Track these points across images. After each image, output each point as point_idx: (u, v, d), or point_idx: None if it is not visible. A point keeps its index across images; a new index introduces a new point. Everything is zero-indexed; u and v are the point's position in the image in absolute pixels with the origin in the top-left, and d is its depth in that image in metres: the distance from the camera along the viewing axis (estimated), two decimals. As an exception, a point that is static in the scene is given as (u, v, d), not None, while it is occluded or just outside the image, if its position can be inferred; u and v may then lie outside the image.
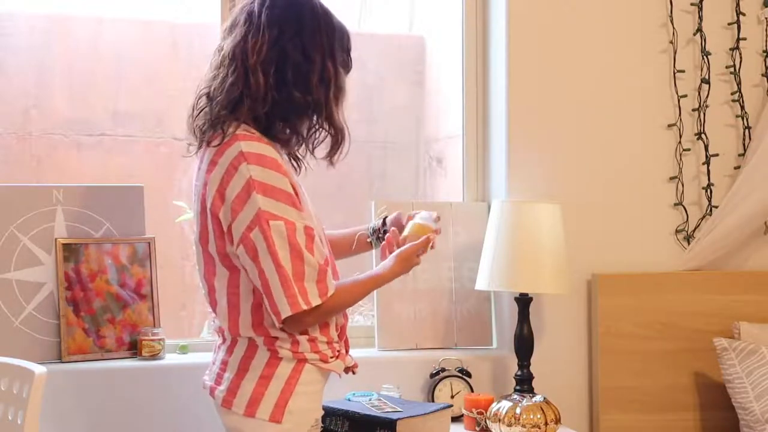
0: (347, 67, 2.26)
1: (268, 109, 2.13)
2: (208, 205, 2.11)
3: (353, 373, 2.34)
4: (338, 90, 2.20)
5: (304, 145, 2.25)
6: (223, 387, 2.17)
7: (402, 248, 2.27)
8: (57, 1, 3.09)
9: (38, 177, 2.97)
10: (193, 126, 2.19)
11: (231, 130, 2.11)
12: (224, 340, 2.22)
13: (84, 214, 2.82)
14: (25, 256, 2.75)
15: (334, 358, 2.22)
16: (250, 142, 2.09)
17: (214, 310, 2.21)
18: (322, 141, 2.24)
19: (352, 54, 2.27)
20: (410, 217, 2.40)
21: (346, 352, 2.31)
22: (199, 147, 2.19)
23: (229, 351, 2.19)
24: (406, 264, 2.27)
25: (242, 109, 2.13)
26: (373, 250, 2.61)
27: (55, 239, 2.77)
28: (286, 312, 2.06)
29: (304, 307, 2.06)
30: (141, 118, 3.09)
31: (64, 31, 3.06)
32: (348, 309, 2.29)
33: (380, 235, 2.48)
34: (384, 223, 2.49)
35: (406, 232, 2.34)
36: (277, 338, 2.14)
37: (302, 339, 2.14)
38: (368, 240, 2.51)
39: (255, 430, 2.12)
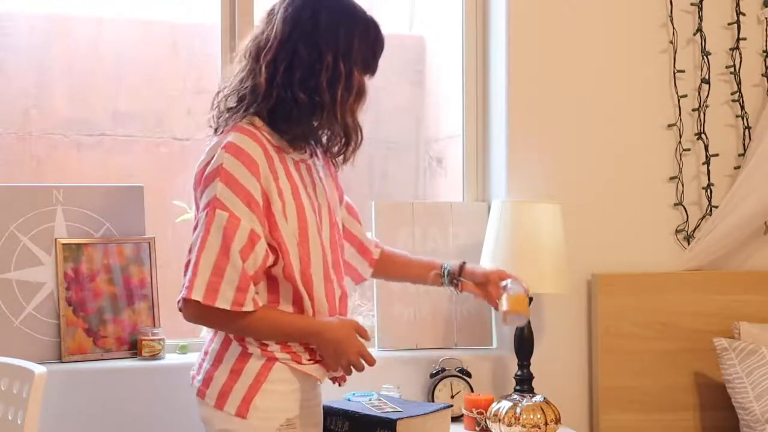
0: (370, 70, 2.21)
1: (272, 106, 2.12)
2: (192, 185, 2.14)
3: (339, 384, 2.30)
4: (350, 92, 2.15)
5: (320, 146, 2.23)
6: (200, 377, 2.18)
7: (360, 326, 2.20)
8: (57, 1, 3.08)
9: (38, 177, 2.97)
10: (209, 119, 2.21)
11: (236, 120, 2.13)
12: None
13: (84, 214, 2.82)
14: (25, 256, 2.74)
15: (311, 362, 2.18)
16: (240, 135, 2.09)
17: None
18: (338, 142, 2.21)
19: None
20: (503, 288, 2.39)
21: None
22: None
23: (211, 340, 2.21)
24: (346, 345, 2.16)
25: (248, 105, 2.13)
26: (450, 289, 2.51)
27: (55, 239, 2.77)
28: (182, 293, 2.05)
29: (196, 298, 2.02)
30: (141, 118, 3.09)
31: (64, 31, 3.05)
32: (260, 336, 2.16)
33: (455, 279, 2.43)
34: (461, 269, 2.44)
35: (505, 307, 2.34)
36: None
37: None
38: (441, 281, 2.46)
39: (222, 422, 2.12)
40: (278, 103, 2.12)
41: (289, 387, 2.16)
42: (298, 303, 2.16)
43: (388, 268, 2.51)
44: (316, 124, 2.17)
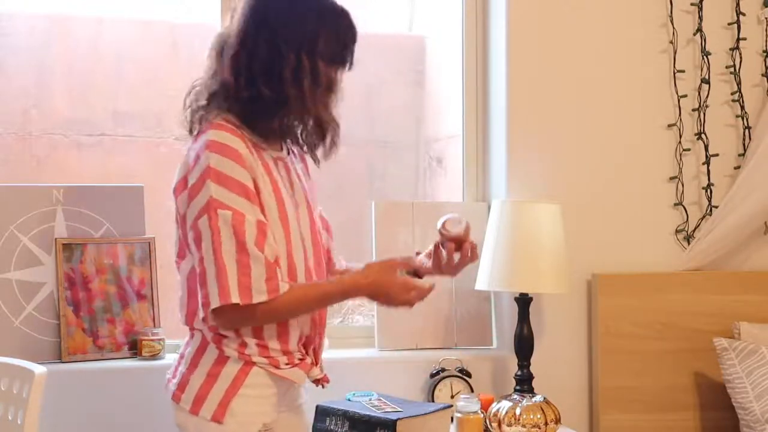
0: (341, 62, 2.16)
1: (241, 102, 2.09)
2: (172, 189, 2.12)
3: (322, 386, 2.27)
4: (317, 85, 2.11)
5: (296, 142, 2.22)
6: (175, 380, 2.15)
7: (397, 269, 2.15)
8: (57, 1, 3.09)
9: (38, 177, 2.97)
10: (182, 120, 2.18)
11: (211, 119, 2.11)
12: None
13: (84, 214, 2.82)
14: (25, 256, 2.75)
15: (289, 366, 2.15)
16: (220, 132, 2.06)
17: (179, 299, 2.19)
18: (314, 137, 2.19)
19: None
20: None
21: (315, 363, 2.22)
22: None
23: (187, 343, 2.18)
24: (388, 289, 2.11)
25: (219, 102, 2.11)
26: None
27: (55, 239, 2.77)
28: (215, 302, 1.99)
29: (235, 301, 1.99)
30: (141, 118, 3.09)
31: (64, 31, 3.05)
32: (303, 321, 2.15)
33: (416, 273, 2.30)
34: (415, 272, 2.31)
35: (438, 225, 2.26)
36: (225, 337, 2.09)
37: (251, 342, 2.09)
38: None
39: (198, 428, 2.09)
40: (246, 99, 2.08)
41: (267, 391, 2.13)
42: None
43: None
44: (286, 119, 2.13)
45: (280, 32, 2.08)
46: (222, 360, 2.10)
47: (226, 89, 2.10)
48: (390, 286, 2.13)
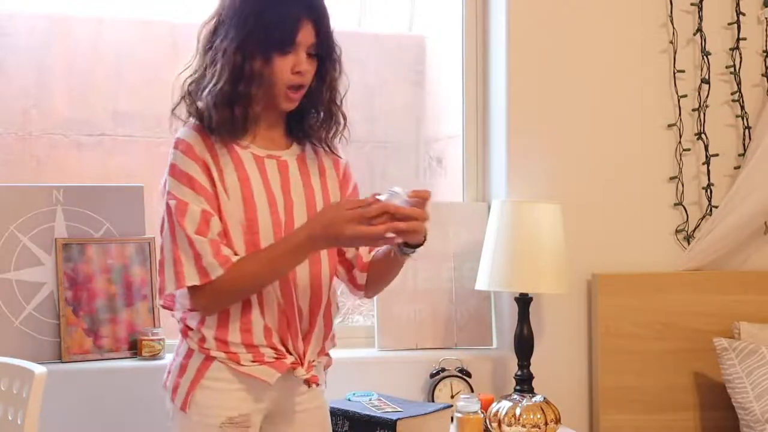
0: (289, 47, 2.07)
1: (206, 99, 2.10)
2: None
3: (309, 386, 2.17)
4: (261, 79, 2.07)
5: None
6: (167, 369, 2.22)
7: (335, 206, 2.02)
8: (57, 1, 3.09)
9: (38, 177, 2.97)
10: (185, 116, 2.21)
11: (184, 118, 2.16)
12: None
13: (84, 214, 2.82)
14: (25, 256, 2.75)
15: (257, 363, 2.11)
16: (184, 129, 2.13)
17: None
18: (319, 125, 2.20)
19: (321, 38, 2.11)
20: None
21: (300, 363, 2.15)
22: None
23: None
24: (337, 226, 1.96)
25: (195, 97, 2.13)
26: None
27: (55, 239, 2.77)
28: (170, 288, 2.06)
29: (193, 283, 2.03)
30: (141, 118, 3.09)
31: (64, 31, 3.05)
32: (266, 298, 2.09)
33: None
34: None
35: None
36: (190, 329, 2.14)
37: (209, 336, 2.11)
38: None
39: (173, 414, 2.16)
40: (209, 96, 2.10)
41: (229, 386, 2.12)
42: None
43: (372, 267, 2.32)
44: (250, 112, 2.11)
45: (227, 30, 2.09)
46: (190, 352, 2.15)
47: (199, 85, 2.14)
48: (337, 221, 1.98)
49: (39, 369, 2.18)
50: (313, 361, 2.20)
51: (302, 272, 2.14)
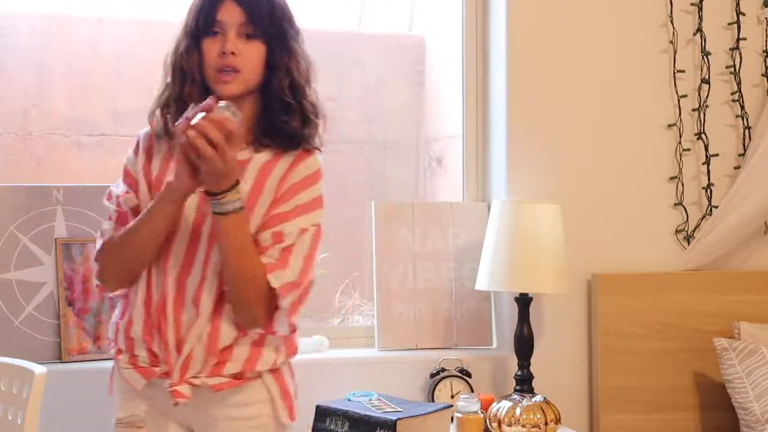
0: (211, 27, 2.06)
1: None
2: None
3: (175, 404, 2.01)
4: (191, 69, 2.08)
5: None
6: None
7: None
8: (57, 1, 3.09)
9: (38, 177, 2.97)
10: None
11: None
12: None
13: (84, 214, 2.82)
14: (25, 256, 2.75)
15: (129, 367, 2.06)
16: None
17: None
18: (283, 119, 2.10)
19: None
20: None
21: (168, 374, 2.02)
22: None
23: None
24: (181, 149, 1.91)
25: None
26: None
27: (55, 239, 2.77)
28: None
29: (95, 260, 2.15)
30: (141, 118, 3.07)
31: (64, 31, 3.06)
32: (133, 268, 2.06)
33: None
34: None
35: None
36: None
37: (112, 321, 2.15)
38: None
39: None
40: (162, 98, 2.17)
41: (118, 386, 2.15)
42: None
43: None
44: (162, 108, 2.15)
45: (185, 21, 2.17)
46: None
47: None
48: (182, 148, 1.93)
49: (39, 369, 2.18)
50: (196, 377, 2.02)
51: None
